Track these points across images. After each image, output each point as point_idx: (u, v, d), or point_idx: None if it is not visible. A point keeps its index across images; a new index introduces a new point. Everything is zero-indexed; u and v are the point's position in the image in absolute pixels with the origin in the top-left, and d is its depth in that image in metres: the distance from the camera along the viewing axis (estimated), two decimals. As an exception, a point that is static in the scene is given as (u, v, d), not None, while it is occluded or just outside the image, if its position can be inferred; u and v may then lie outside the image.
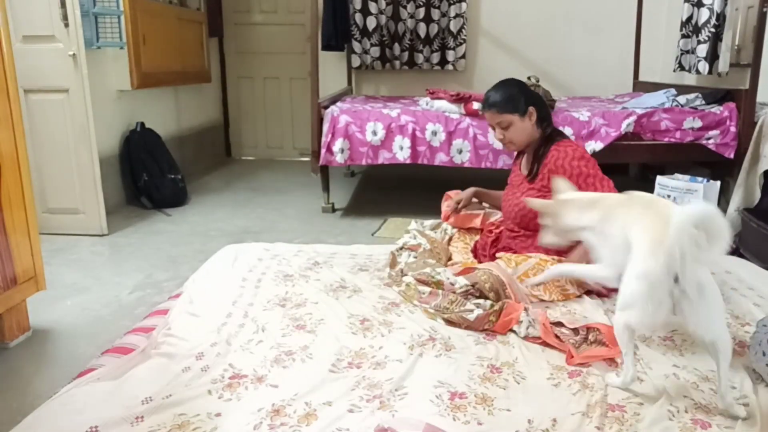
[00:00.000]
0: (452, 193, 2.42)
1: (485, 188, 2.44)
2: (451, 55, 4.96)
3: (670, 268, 1.28)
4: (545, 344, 1.68)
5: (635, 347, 1.53)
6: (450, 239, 2.36)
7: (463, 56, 4.97)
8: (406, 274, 2.03)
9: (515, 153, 2.26)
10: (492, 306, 1.77)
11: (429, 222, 2.45)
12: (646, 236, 1.38)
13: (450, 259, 2.22)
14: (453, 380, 1.50)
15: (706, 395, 1.44)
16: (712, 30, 3.64)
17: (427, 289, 1.90)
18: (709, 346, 1.37)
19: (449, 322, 1.79)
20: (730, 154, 3.21)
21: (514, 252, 2.09)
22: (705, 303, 1.30)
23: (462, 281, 1.87)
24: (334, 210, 3.62)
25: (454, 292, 1.83)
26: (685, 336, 1.75)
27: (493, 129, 2.07)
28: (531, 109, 2.02)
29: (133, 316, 2.10)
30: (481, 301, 1.80)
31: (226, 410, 1.38)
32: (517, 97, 2.01)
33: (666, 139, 3.26)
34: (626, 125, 3.22)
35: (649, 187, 3.12)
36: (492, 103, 2.02)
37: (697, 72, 3.81)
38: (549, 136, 2.06)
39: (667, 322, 1.48)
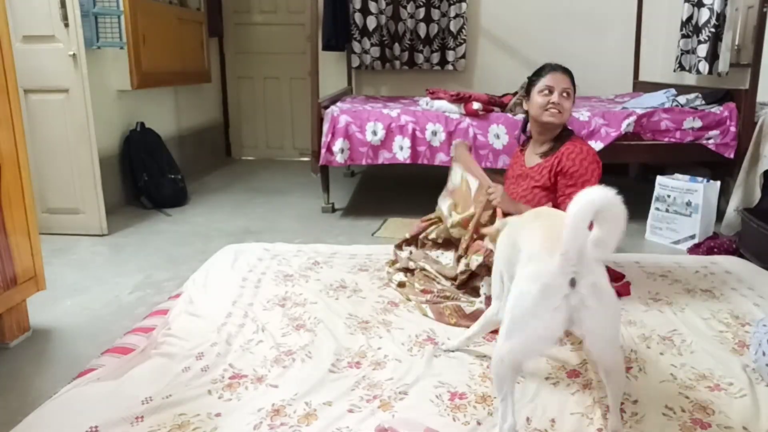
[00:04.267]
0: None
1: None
2: (451, 55, 4.96)
3: (566, 268, 1.09)
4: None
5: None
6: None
7: (463, 56, 4.96)
8: (408, 269, 2.14)
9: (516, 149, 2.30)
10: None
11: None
12: (536, 237, 1.23)
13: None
14: (453, 380, 1.50)
15: (705, 395, 1.44)
16: (713, 30, 3.63)
17: (420, 287, 2.04)
18: (601, 369, 1.23)
19: (439, 317, 1.86)
20: (730, 154, 3.21)
21: None
22: (603, 310, 1.12)
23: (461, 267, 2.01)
24: (334, 210, 3.62)
25: (447, 294, 1.93)
26: (684, 336, 1.75)
27: (549, 93, 2.09)
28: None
29: (133, 316, 2.10)
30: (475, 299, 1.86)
31: (226, 410, 1.38)
32: None
33: (666, 139, 3.26)
34: (626, 125, 3.22)
35: (649, 188, 3.13)
36: (568, 69, 2.18)
37: (698, 72, 3.81)
38: (569, 130, 2.17)
39: (556, 341, 1.21)
